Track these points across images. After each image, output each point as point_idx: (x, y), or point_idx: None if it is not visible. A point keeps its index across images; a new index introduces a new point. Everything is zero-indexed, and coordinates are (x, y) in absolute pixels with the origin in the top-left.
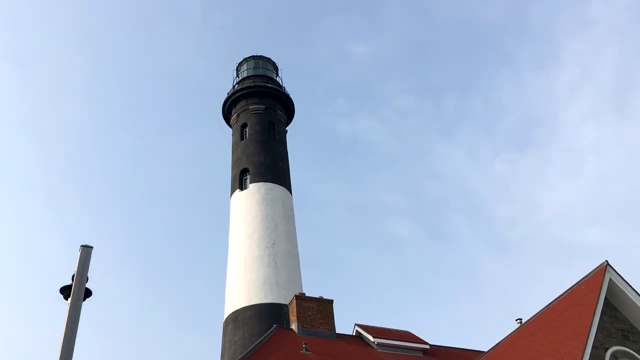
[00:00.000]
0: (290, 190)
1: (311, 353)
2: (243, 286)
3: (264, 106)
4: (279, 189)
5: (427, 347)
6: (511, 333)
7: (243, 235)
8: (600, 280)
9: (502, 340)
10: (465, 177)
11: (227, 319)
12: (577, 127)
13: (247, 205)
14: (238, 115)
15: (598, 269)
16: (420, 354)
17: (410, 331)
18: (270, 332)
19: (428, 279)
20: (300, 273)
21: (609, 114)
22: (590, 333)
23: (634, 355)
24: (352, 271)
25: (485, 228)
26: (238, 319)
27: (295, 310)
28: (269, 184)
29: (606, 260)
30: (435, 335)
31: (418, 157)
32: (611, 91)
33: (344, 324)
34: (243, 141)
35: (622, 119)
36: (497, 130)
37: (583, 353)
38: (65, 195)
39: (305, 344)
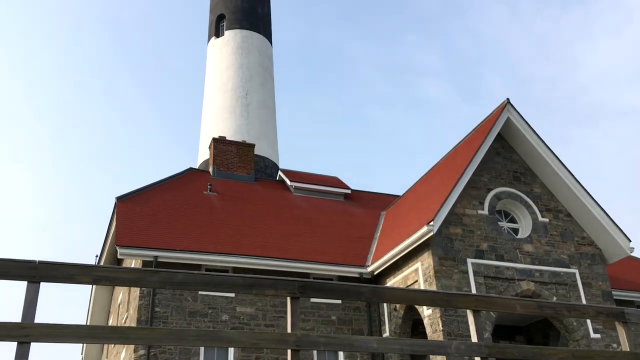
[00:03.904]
0: (270, 39)
1: (214, 194)
2: (224, 136)
3: None
4: (256, 36)
5: (349, 192)
6: (424, 175)
7: (217, 85)
8: (495, 119)
9: (415, 182)
10: (504, 35)
11: (199, 167)
12: None
13: (222, 53)
14: None
15: (498, 107)
16: (341, 198)
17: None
18: (182, 172)
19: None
20: (275, 125)
21: None
22: (466, 172)
23: (519, 196)
24: (379, 131)
25: (522, 89)
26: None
27: (212, 152)
28: (245, 31)
29: (507, 98)
30: None
31: (455, 14)
32: None
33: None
34: None
35: None
36: None
37: (450, 193)
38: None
39: (210, 184)
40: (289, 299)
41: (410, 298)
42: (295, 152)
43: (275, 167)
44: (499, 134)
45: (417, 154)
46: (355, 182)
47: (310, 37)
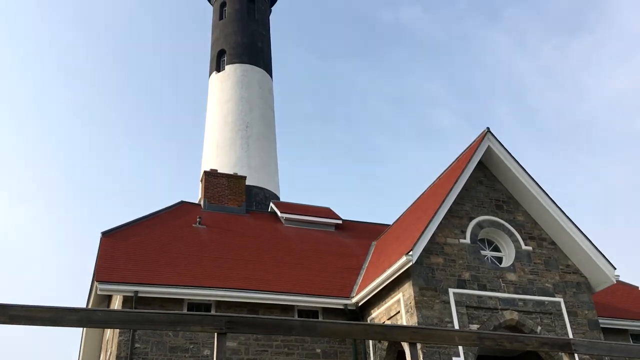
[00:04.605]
0: (270, 73)
1: (204, 227)
2: (216, 169)
3: None
4: (256, 70)
5: (340, 222)
6: (412, 204)
7: (217, 118)
8: (475, 148)
9: (404, 211)
10: (510, 64)
11: (199, 199)
12: (635, 9)
13: (223, 87)
14: None
15: (479, 136)
16: (332, 229)
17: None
18: (173, 205)
19: None
20: (276, 156)
21: None
22: (446, 201)
23: (502, 224)
24: (387, 161)
25: (530, 117)
26: None
27: (204, 185)
28: (246, 65)
29: (487, 128)
30: None
31: (462, 46)
32: None
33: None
34: (222, 21)
35: None
36: (548, 14)
37: (429, 222)
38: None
39: (199, 217)
40: (215, 334)
41: (343, 331)
42: (300, 182)
43: (275, 198)
44: (481, 162)
45: (427, 183)
46: (364, 212)
47: (317, 68)
